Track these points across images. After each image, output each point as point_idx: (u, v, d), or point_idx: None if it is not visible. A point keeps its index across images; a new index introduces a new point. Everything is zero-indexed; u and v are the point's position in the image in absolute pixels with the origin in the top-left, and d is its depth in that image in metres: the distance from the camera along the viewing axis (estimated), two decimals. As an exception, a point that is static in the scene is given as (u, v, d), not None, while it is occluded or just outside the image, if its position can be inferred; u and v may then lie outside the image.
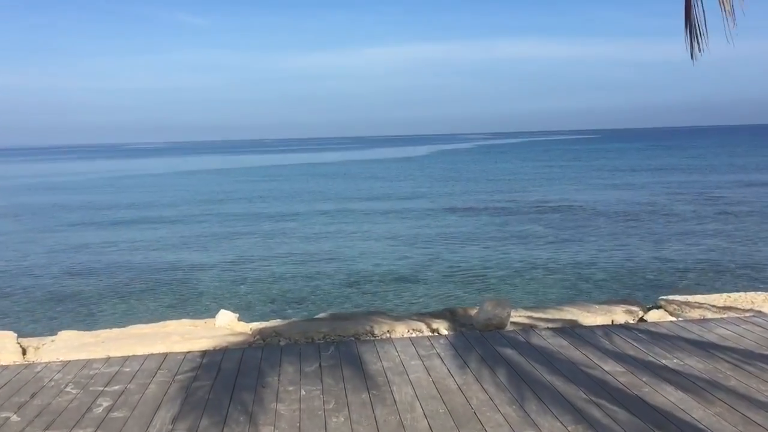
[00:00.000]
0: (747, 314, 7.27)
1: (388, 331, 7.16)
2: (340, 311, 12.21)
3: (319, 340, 6.97)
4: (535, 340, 6.59)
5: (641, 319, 7.41)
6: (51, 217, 31.17)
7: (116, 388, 5.62)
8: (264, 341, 6.99)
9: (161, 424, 4.84)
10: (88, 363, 6.33)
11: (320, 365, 6.03)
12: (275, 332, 7.15)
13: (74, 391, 5.58)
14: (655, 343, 6.34)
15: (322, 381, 5.62)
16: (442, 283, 14.94)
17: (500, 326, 7.12)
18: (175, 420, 4.91)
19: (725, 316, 7.26)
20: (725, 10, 3.40)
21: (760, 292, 8.10)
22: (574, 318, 7.44)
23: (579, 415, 4.78)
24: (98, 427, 4.82)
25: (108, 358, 6.46)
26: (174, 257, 19.04)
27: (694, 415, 4.71)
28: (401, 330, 7.21)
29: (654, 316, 7.35)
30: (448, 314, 8.11)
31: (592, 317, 7.43)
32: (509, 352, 6.22)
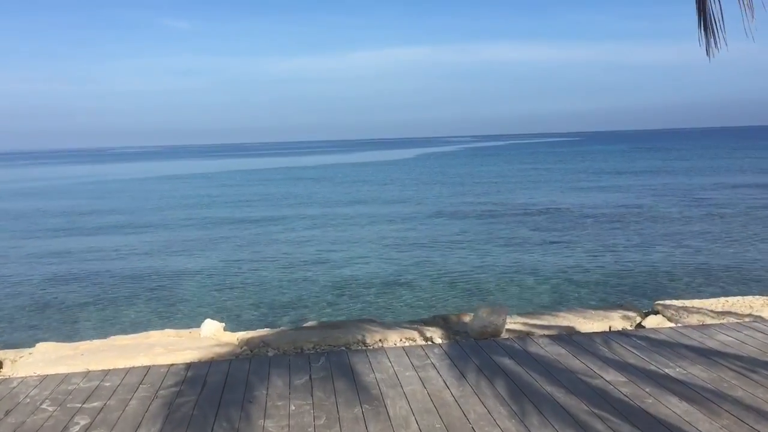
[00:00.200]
0: (746, 319, 7.11)
1: (380, 340, 6.93)
2: (329, 319, 12.00)
3: (308, 350, 6.72)
4: (533, 348, 6.38)
5: (639, 325, 7.24)
6: (32, 222, 30.63)
7: (95, 404, 5.34)
8: (251, 352, 6.73)
9: (143, 444, 4.58)
10: (66, 377, 6.04)
11: (310, 377, 5.78)
12: (263, 342, 6.89)
13: (51, 409, 5.29)
14: (656, 351, 6.15)
15: (312, 395, 5.37)
16: (431, 288, 14.72)
17: (495, 334, 6.91)
18: (157, 439, 4.66)
19: (724, 321, 7.09)
20: (743, 3, 3.19)
21: (758, 297, 7.96)
22: (570, 324, 7.24)
23: (582, 429, 4.57)
24: (75, 448, 4.56)
25: (87, 372, 6.17)
26: (159, 263, 18.68)
27: (701, 428, 4.52)
28: (394, 339, 6.98)
29: (652, 322, 7.18)
30: (441, 321, 7.89)
31: (588, 324, 7.24)
32: (506, 362, 6.00)
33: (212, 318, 11.68)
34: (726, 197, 32.51)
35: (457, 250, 19.57)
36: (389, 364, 6.06)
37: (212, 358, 6.51)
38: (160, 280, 16.52)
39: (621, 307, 8.02)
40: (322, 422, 4.81)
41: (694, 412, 4.78)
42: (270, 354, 6.64)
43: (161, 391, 5.59)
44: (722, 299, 7.95)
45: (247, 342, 6.95)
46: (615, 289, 14.13)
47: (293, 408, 5.10)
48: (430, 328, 7.36)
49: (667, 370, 5.63)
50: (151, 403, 5.30)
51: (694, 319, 7.24)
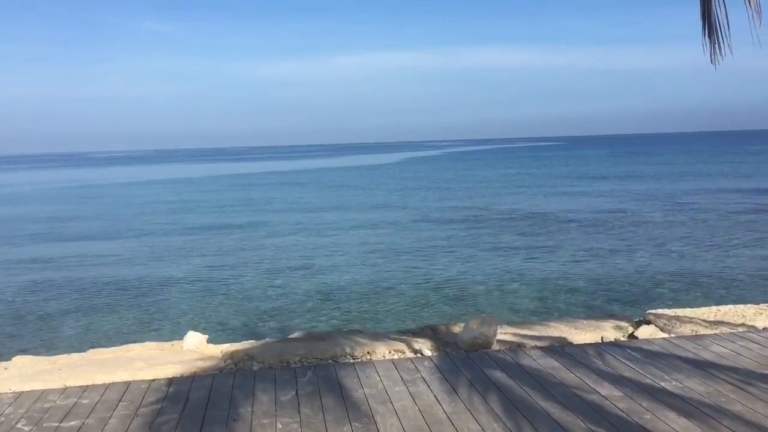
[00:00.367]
0: (740, 329, 7.02)
1: (368, 352, 6.75)
2: (315, 327, 11.81)
3: (295, 363, 6.53)
4: (525, 360, 6.23)
5: (631, 335, 7.12)
6: (10, 229, 30.10)
7: (72, 423, 5.11)
8: (236, 366, 6.52)
9: (122, 468, 4.37)
10: (42, 394, 5.80)
11: (297, 393, 5.59)
12: (248, 355, 6.69)
13: (26, 428, 5.06)
14: (651, 363, 6.03)
15: (299, 411, 5.18)
16: (417, 296, 14.54)
17: (486, 345, 6.76)
18: (137, 462, 4.45)
19: (718, 331, 7.00)
20: (750, 6, 3.06)
21: (749, 305, 7.89)
22: (562, 335, 7.11)
23: (580, 447, 4.43)
24: (51, 473, 4.33)
25: (65, 389, 5.93)
26: (141, 271, 18.36)
27: (701, 445, 4.40)
28: (382, 351, 6.81)
29: (645, 332, 7.06)
30: (430, 332, 7.73)
31: (580, 334, 7.11)
32: (499, 375, 5.85)
33: (195, 328, 11.46)
34: (708, 202, 32.69)
35: (443, 256, 19.43)
36: (378, 378, 5.88)
37: (195, 372, 6.30)
38: (143, 288, 16.22)
39: (612, 316, 7.91)
40: (310, 442, 4.63)
41: (693, 428, 4.65)
42: (255, 368, 6.44)
43: (142, 409, 5.37)
44: (714, 308, 7.86)
45: (231, 355, 6.75)
46: (602, 296, 14.03)
47: (280, 426, 4.91)
48: (418, 339, 7.19)
49: (663, 384, 5.51)
50: (131, 422, 5.09)
51: (687, 329, 7.13)
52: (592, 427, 4.70)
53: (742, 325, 7.17)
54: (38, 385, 6.04)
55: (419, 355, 6.67)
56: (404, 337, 7.32)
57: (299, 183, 59.30)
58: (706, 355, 6.18)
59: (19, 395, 5.81)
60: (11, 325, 13.49)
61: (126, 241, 24.77)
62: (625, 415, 4.89)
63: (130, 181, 72.22)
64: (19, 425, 5.13)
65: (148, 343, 7.39)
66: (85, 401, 5.59)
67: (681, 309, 7.93)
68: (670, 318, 7.45)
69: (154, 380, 6.05)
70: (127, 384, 5.97)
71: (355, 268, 17.86)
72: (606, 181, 49.23)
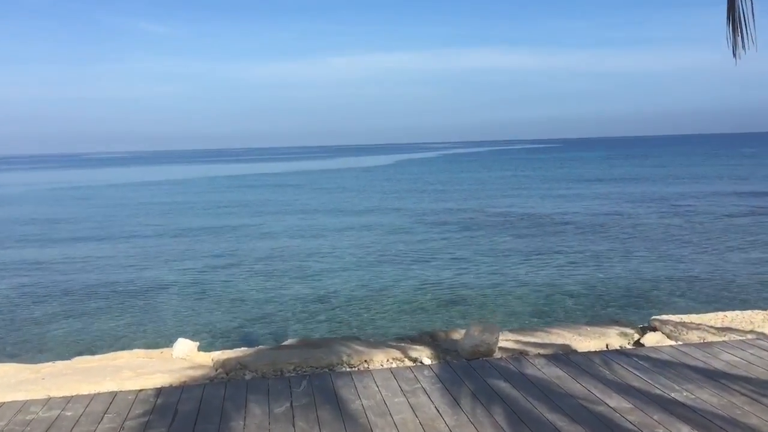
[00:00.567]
0: (749, 336, 6.80)
1: (365, 360, 6.51)
2: (309, 332, 11.55)
3: (289, 372, 6.28)
4: (529, 369, 5.99)
5: (637, 342, 6.90)
6: (2, 230, 29.76)
7: (55, 437, 4.85)
8: (227, 375, 6.27)
9: (105, 487, 4.11)
10: (25, 405, 5.53)
11: (291, 405, 5.34)
12: (240, 364, 6.43)
13: (5, 443, 4.80)
14: (659, 372, 5.79)
15: (294, 425, 4.93)
16: (413, 301, 14.28)
17: (488, 353, 6.52)
18: (121, 480, 4.19)
19: (726, 338, 6.78)
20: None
21: (757, 311, 7.68)
22: (565, 342, 6.88)
23: (590, 464, 4.19)
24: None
25: (48, 399, 5.66)
26: (132, 274, 18.06)
27: (718, 462, 4.16)
28: (380, 359, 6.57)
29: (651, 339, 6.84)
30: (429, 339, 7.49)
31: (585, 341, 6.88)
32: (502, 385, 5.61)
33: (186, 333, 11.21)
34: (704, 205, 32.54)
35: (438, 260, 19.19)
36: (376, 388, 5.63)
37: (184, 382, 6.05)
38: (133, 291, 15.92)
39: (617, 323, 7.68)
40: (304, 458, 4.38)
41: (708, 443, 4.42)
42: (247, 377, 6.18)
43: (128, 422, 5.11)
44: (720, 314, 7.64)
45: (223, 363, 6.50)
46: (602, 300, 13.79)
47: (273, 441, 4.66)
48: (417, 346, 6.95)
49: (673, 395, 5.28)
50: (116, 436, 4.83)
51: (694, 336, 6.91)
52: (602, 442, 4.47)
53: (751, 332, 6.95)
54: (20, 396, 5.77)
55: (419, 363, 6.43)
56: (402, 345, 7.08)
57: (294, 185, 58.98)
58: (716, 364, 5.95)
59: (0, 406, 5.55)
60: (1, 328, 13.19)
61: (118, 243, 24.45)
62: (636, 429, 4.66)
63: (124, 182, 71.76)
64: (-2, 439, 4.88)
65: (136, 351, 7.13)
66: (69, 413, 5.32)
67: (687, 315, 7.71)
68: (676, 324, 7.23)
69: (141, 390, 5.79)
70: (114, 395, 5.71)
71: (350, 272, 17.60)
72: (602, 184, 49.09)
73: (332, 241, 23.51)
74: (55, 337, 12.50)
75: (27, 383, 6.07)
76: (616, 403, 5.13)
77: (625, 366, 6.00)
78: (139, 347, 11.11)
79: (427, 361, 6.46)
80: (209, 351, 7.72)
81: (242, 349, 7.19)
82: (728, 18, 3.19)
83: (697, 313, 8.27)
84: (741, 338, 6.74)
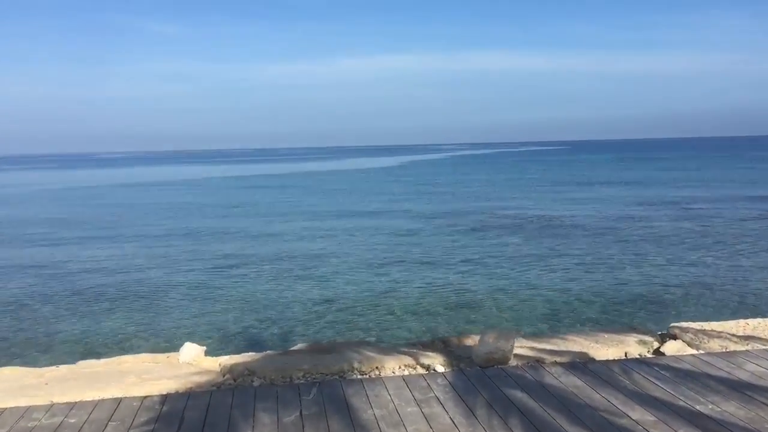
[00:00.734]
0: (773, 345, 6.58)
1: (376, 367, 6.33)
2: (319, 340, 11.35)
3: (298, 379, 6.11)
4: (547, 379, 5.79)
5: (657, 351, 6.69)
6: (11, 231, 29.74)
7: (57, 446, 4.70)
8: (235, 381, 6.11)
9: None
10: (27, 411, 5.38)
11: (301, 413, 5.16)
12: (248, 370, 6.27)
13: (6, 451, 4.65)
14: (682, 383, 5.59)
15: (303, 435, 4.76)
16: (422, 304, 14.05)
17: (503, 361, 6.33)
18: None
19: (750, 347, 6.57)
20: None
21: (780, 319, 7.45)
22: (582, 350, 6.68)
23: (614, 481, 3.99)
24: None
25: (51, 405, 5.51)
26: (139, 276, 17.92)
27: (749, 480, 3.95)
28: (391, 366, 6.39)
29: (672, 348, 6.63)
30: (441, 345, 7.31)
31: (602, 349, 6.68)
32: (519, 396, 5.41)
33: (193, 335, 11.07)
34: (716, 209, 32.18)
35: (447, 263, 18.98)
36: (388, 397, 5.45)
37: (191, 388, 5.88)
38: (140, 292, 15.78)
39: (634, 330, 7.48)
40: (315, 471, 4.20)
41: (737, 459, 4.22)
42: (255, 384, 6.02)
43: (133, 430, 4.96)
44: (742, 321, 7.44)
45: (230, 369, 6.33)
46: (616, 305, 13.51)
47: (282, 453, 4.48)
48: (430, 353, 6.77)
49: (698, 407, 5.07)
50: (119, 446, 4.67)
51: (716, 345, 6.70)
52: (626, 457, 4.27)
53: (775, 340, 6.73)
54: (23, 401, 5.62)
55: (431, 370, 6.24)
56: (414, 351, 6.90)
57: (302, 186, 58.81)
58: (741, 375, 5.74)
59: (1, 412, 5.40)
60: (5, 329, 13.07)
61: (126, 244, 24.35)
62: (661, 444, 4.46)
63: (132, 182, 71.82)
64: (-2, 447, 4.72)
65: (142, 355, 6.98)
66: (72, 420, 5.17)
67: (707, 322, 7.50)
68: (696, 332, 7.02)
69: (146, 397, 5.63)
70: (118, 401, 5.55)
71: (358, 274, 17.41)
72: (612, 187, 48.73)
73: (340, 243, 23.34)
74: (60, 337, 12.37)
75: (30, 388, 5.92)
76: (639, 416, 4.92)
77: (646, 376, 5.80)
78: (145, 349, 11.00)
79: (440, 369, 6.27)
80: (216, 355, 7.57)
81: (250, 354, 7.02)
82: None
83: (716, 320, 8.07)
84: (765, 347, 6.52)
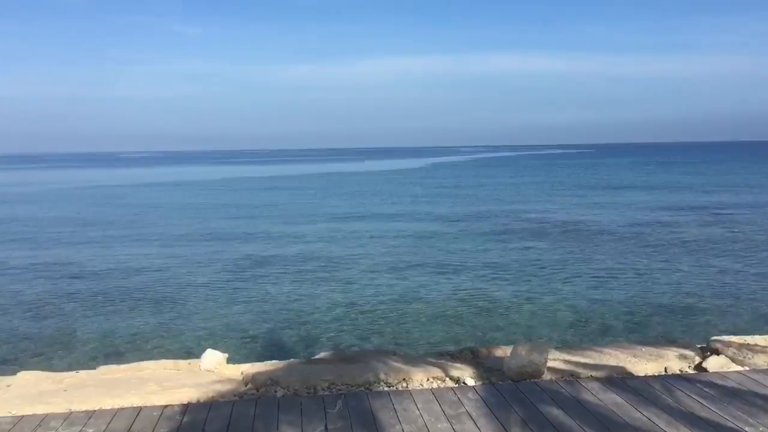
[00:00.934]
0: (823, 363, 6.23)
1: (404, 379, 6.09)
2: (343, 348, 11.13)
3: (323, 390, 5.89)
4: (584, 395, 5.51)
5: (698, 366, 6.37)
6: (35, 230, 29.95)
7: (73, 458, 4.52)
8: (257, 391, 5.90)
9: None
10: (44, 420, 5.22)
11: (326, 427, 4.94)
12: (271, 380, 6.06)
13: (21, 462, 4.48)
14: (729, 402, 5.27)
15: (329, 452, 4.53)
16: (447, 311, 13.75)
17: (536, 375, 6.06)
18: None
19: (798, 364, 6.22)
20: None
21: (827, 334, 7.08)
22: (619, 364, 6.39)
23: None
24: None
25: (69, 413, 5.35)
26: (161, 277, 17.81)
27: None
28: (419, 378, 6.14)
29: (715, 363, 6.30)
30: (470, 355, 7.06)
31: (641, 364, 6.38)
32: (555, 412, 5.14)
33: (214, 339, 10.92)
34: (748, 215, 31.46)
35: (471, 267, 18.65)
36: (417, 412, 5.20)
37: (213, 398, 5.69)
38: (162, 294, 15.66)
39: (673, 343, 7.16)
40: (342, 493, 3.97)
41: (796, 490, 3.91)
42: (278, 394, 5.81)
43: (152, 442, 4.77)
44: (787, 336, 7.07)
45: (253, 378, 6.13)
46: (648, 316, 13.05)
47: (307, 471, 4.26)
48: (459, 364, 6.52)
49: (748, 429, 4.77)
50: (138, 460, 4.48)
51: (761, 360, 6.37)
52: (674, 485, 3.99)
53: (825, 357, 6.38)
54: (41, 409, 5.47)
55: (461, 384, 5.99)
56: (442, 362, 6.66)
57: (322, 187, 58.69)
58: (792, 395, 5.42)
59: (18, 420, 5.25)
60: (30, 327, 13.03)
61: (148, 245, 24.35)
62: (711, 470, 4.17)
63: (154, 182, 72.27)
64: (14, 457, 4.56)
65: (163, 361, 6.80)
66: (90, 430, 5.01)
67: (750, 336, 7.15)
68: (740, 347, 6.69)
69: (167, 406, 5.45)
70: (138, 410, 5.37)
71: (381, 279, 17.17)
72: (638, 191, 47.99)
73: (362, 246, 23.13)
74: (83, 337, 12.30)
75: (48, 395, 5.77)
76: (685, 438, 4.64)
77: (689, 393, 5.49)
78: (165, 352, 10.89)
79: (470, 382, 6.02)
80: (238, 362, 7.39)
81: (273, 362, 6.82)
82: None
83: (755, 332, 7.72)
84: (815, 365, 6.18)
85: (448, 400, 5.46)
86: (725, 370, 6.13)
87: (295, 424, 5.04)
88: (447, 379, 6.14)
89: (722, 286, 15.83)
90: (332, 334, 12.09)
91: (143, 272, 18.60)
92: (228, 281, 17.19)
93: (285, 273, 18.21)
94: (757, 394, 5.44)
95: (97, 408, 5.45)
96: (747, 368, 6.18)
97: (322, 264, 19.48)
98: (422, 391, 5.70)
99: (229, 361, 6.86)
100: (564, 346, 7.72)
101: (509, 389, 5.71)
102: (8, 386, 6.16)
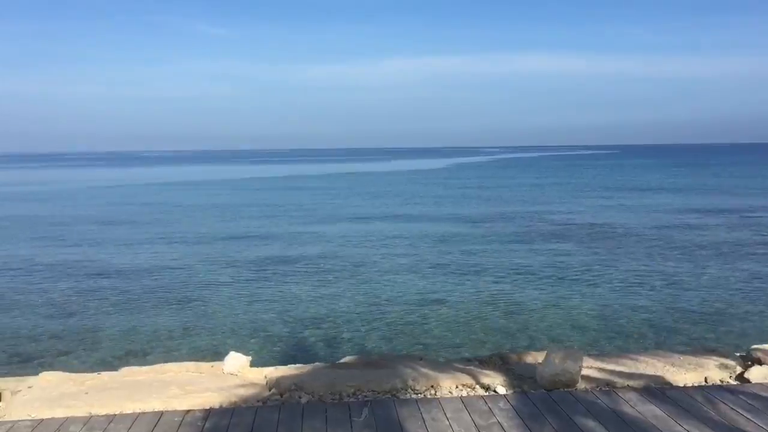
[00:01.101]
0: None
1: (432, 386, 5.89)
2: (368, 351, 10.95)
3: (348, 396, 5.70)
4: (621, 406, 5.27)
5: (740, 376, 6.08)
6: (61, 228, 30.22)
7: (93, 464, 4.39)
8: (281, 397, 5.73)
9: None
10: (64, 424, 5.11)
11: (352, 437, 4.76)
12: (295, 385, 5.89)
13: (40, 468, 4.36)
14: (776, 416, 5.00)
15: (356, 463, 4.35)
16: (472, 313, 13.52)
17: (570, 383, 5.82)
18: None
19: None
20: None
21: None
22: (657, 373, 6.12)
23: None
24: None
25: (89, 417, 5.23)
26: (184, 277, 17.79)
27: None
28: (447, 385, 5.93)
29: (758, 374, 6.01)
30: (499, 361, 6.83)
31: (679, 373, 6.11)
32: (591, 424, 4.91)
33: (237, 339, 10.80)
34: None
35: (496, 269, 18.39)
36: (447, 422, 5.00)
37: (235, 402, 5.54)
38: (185, 295, 15.60)
39: (713, 351, 6.86)
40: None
41: None
42: (303, 400, 5.64)
43: (173, 449, 4.63)
44: (832, 345, 6.74)
45: (277, 383, 5.96)
46: (681, 322, 12.65)
47: (333, 484, 4.08)
48: (488, 371, 6.30)
49: (799, 446, 4.50)
50: (158, 468, 4.34)
51: (806, 372, 6.06)
52: (723, 506, 3.75)
53: None
54: (60, 412, 5.35)
55: (492, 392, 5.77)
56: (471, 368, 6.44)
57: (346, 187, 58.60)
58: (843, 409, 5.13)
59: (38, 423, 5.14)
60: (55, 325, 13.05)
61: (172, 244, 24.40)
62: (762, 491, 3.92)
63: (178, 181, 72.74)
64: (33, 462, 4.44)
65: (185, 363, 6.67)
66: (110, 435, 4.87)
67: (793, 345, 6.83)
68: (783, 356, 6.38)
69: (189, 411, 5.31)
70: (159, 415, 5.23)
71: (404, 280, 16.98)
72: (664, 193, 47.24)
73: (386, 247, 22.95)
74: (106, 335, 12.28)
75: (68, 397, 5.65)
76: (731, 455, 4.39)
77: (733, 406, 5.23)
78: (188, 352, 10.81)
79: (501, 390, 5.80)
80: (261, 364, 7.26)
81: (297, 366, 6.65)
82: None
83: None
84: None
85: (478, 409, 5.26)
86: (769, 381, 5.85)
87: (320, 431, 4.87)
88: (477, 386, 5.93)
89: (754, 291, 15.41)
90: (355, 336, 11.93)
91: (167, 271, 18.60)
92: (251, 281, 17.12)
93: (308, 273, 18.10)
94: (805, 408, 5.16)
95: (117, 412, 5.32)
96: (793, 380, 5.89)
97: (345, 264, 19.34)
98: (451, 399, 5.50)
99: (253, 364, 6.71)
100: (597, 353, 7.47)
101: (542, 399, 5.49)
102: (29, 387, 6.07)
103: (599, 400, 5.40)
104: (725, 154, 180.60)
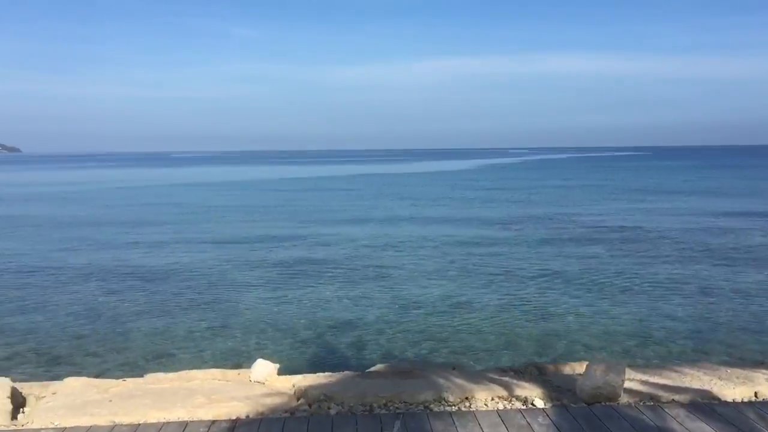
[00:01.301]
0: None
1: (466, 398, 5.65)
2: (395, 354, 10.74)
3: (379, 408, 5.49)
4: (668, 423, 4.98)
5: (793, 393, 5.74)
6: (89, 230, 30.49)
7: (115, 478, 4.23)
8: (310, 407, 5.54)
9: None
10: (88, 432, 4.97)
11: (384, 452, 4.55)
12: (324, 395, 5.69)
13: (62, 480, 4.21)
14: (837, 437, 4.68)
15: (388, 481, 4.13)
16: (503, 319, 13.21)
17: (612, 397, 5.54)
18: None
19: None
20: None
21: None
22: (704, 387, 5.81)
23: None
24: None
25: (113, 427, 5.09)
26: (212, 279, 17.70)
27: None
28: (482, 397, 5.69)
29: (813, 390, 5.67)
30: (536, 372, 6.57)
31: (727, 387, 5.79)
32: (637, 443, 4.63)
33: (264, 344, 10.66)
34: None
35: (526, 273, 18.01)
36: (483, 437, 4.76)
37: (263, 413, 5.36)
38: (213, 297, 15.49)
39: (762, 364, 6.53)
40: None
41: None
42: (332, 411, 5.44)
43: (198, 462, 4.45)
44: None
45: (305, 392, 5.77)
46: (717, 332, 12.10)
47: (365, 504, 3.87)
48: (525, 383, 6.03)
49: None
50: (182, 483, 4.16)
51: None
52: None
53: None
54: (84, 420, 5.23)
55: (530, 405, 5.51)
56: (506, 379, 6.19)
57: (373, 189, 58.42)
58: None
59: (62, 431, 5.00)
60: (83, 327, 13.05)
61: (200, 246, 24.40)
62: None
63: (206, 182, 73.24)
64: (55, 474, 4.30)
65: (212, 371, 6.52)
66: (134, 445, 4.72)
67: None
68: (838, 371, 6.03)
69: (214, 422, 5.14)
70: (184, 425, 5.08)
71: (433, 284, 16.70)
72: (697, 196, 46.26)
73: (414, 250, 22.70)
74: (133, 338, 12.22)
75: (92, 405, 5.53)
76: (791, 479, 4.08)
77: (788, 425, 4.91)
78: (215, 356, 10.69)
79: (539, 403, 5.54)
80: (289, 371, 7.08)
81: (326, 374, 6.46)
82: None
83: None
84: None
85: (516, 423, 5.01)
86: (827, 398, 5.51)
87: (351, 446, 4.66)
88: (513, 399, 5.67)
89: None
90: (384, 341, 11.70)
91: (194, 272, 18.58)
92: (278, 283, 17.00)
93: (335, 276, 17.93)
94: None
95: (141, 421, 5.18)
96: None
97: (373, 267, 19.14)
98: (487, 413, 5.26)
99: (280, 371, 6.54)
100: (638, 364, 7.15)
101: (584, 413, 5.22)
102: (54, 394, 5.97)
103: (644, 416, 5.12)
104: (760, 156, 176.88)
